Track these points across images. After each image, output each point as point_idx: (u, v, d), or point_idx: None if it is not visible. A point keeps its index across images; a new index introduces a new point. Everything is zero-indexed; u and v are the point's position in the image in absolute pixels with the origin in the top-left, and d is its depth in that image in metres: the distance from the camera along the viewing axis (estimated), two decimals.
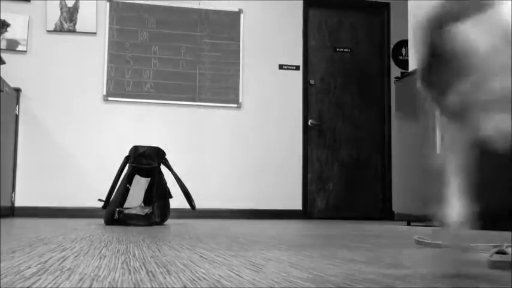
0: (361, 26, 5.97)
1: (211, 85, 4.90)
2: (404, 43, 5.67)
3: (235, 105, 4.86)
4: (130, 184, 2.72)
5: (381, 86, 5.95)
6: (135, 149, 2.76)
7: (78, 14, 4.94)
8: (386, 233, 2.16)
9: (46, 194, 4.70)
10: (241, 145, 4.93)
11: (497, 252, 1.02)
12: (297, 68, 5.26)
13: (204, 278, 0.66)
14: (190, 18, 5.08)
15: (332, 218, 5.52)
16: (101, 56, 4.99)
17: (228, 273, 0.72)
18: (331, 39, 5.82)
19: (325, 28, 5.73)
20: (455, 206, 0.95)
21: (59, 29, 4.91)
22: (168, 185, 2.86)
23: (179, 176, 2.84)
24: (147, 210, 2.64)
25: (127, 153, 2.81)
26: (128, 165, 2.77)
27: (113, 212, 2.58)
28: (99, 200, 2.80)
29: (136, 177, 2.76)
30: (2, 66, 4.19)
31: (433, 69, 0.89)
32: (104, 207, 2.74)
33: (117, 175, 2.74)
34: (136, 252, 1.03)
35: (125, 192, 2.66)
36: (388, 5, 5.97)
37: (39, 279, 0.63)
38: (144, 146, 2.76)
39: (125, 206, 2.69)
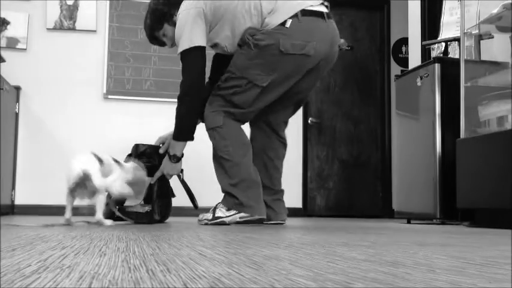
0: (361, 24, 5.96)
1: None
2: (404, 41, 5.67)
3: None
4: None
5: (381, 84, 5.94)
6: (136, 147, 2.75)
7: (78, 12, 4.94)
8: (386, 231, 2.16)
9: (46, 192, 4.70)
10: None
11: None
12: None
13: (204, 276, 0.66)
14: None
15: (332, 216, 5.52)
16: (101, 54, 4.99)
17: (228, 271, 0.72)
18: None
19: None
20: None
21: (58, 27, 4.92)
22: (172, 183, 2.85)
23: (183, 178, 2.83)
24: (147, 208, 2.64)
25: (127, 151, 2.80)
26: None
27: (113, 209, 2.58)
28: None
29: None
30: (2, 64, 4.19)
31: None
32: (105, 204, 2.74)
33: None
34: (136, 250, 1.03)
35: None
36: (388, 2, 5.96)
37: (39, 277, 0.63)
38: (145, 145, 2.75)
39: (125, 204, 2.68)
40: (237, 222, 2.52)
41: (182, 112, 2.56)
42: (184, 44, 2.49)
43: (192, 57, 2.50)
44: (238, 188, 2.54)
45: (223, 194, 2.62)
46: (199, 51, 2.50)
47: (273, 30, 2.47)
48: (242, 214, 2.53)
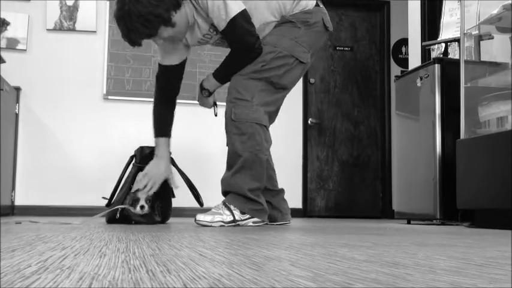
0: (361, 25, 5.96)
1: None
2: (404, 42, 5.67)
3: None
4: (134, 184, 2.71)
5: (380, 84, 5.95)
6: (141, 149, 2.76)
7: (78, 12, 4.94)
8: (386, 232, 2.16)
9: (46, 192, 4.70)
10: None
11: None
12: None
13: (204, 277, 0.66)
14: None
15: (332, 217, 5.52)
16: (101, 54, 4.99)
17: (228, 271, 0.72)
18: (331, 37, 5.82)
19: None
20: None
21: (58, 28, 4.92)
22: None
23: (186, 174, 2.83)
24: (147, 209, 2.64)
25: (127, 152, 2.80)
26: (132, 165, 2.75)
27: (115, 210, 2.58)
28: (103, 197, 2.79)
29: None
30: (2, 65, 4.19)
31: None
32: (107, 205, 2.74)
33: (121, 174, 2.74)
34: (136, 250, 1.03)
35: (128, 191, 2.66)
36: (388, 3, 5.96)
37: (39, 277, 0.63)
38: (150, 147, 2.75)
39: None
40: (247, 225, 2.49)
41: (242, 60, 2.53)
42: (235, 8, 2.40)
43: (247, 19, 2.44)
44: (256, 194, 2.48)
45: (230, 194, 2.49)
46: (246, 13, 2.45)
47: (315, 9, 2.61)
48: (255, 219, 2.49)
